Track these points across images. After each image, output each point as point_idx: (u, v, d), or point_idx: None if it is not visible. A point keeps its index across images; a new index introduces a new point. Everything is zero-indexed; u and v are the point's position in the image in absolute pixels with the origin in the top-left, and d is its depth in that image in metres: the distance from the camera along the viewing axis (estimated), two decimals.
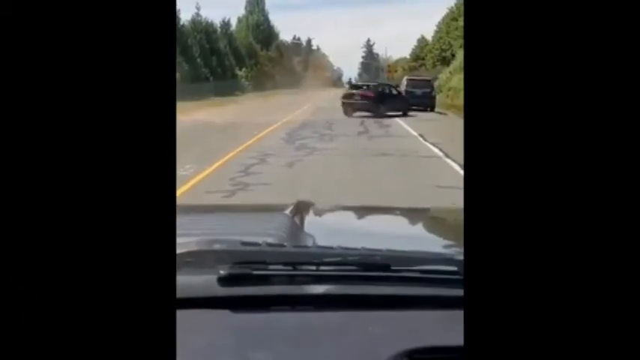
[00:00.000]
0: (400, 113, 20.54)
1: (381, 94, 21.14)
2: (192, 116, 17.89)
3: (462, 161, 9.05)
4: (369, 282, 0.94)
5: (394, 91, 22.64)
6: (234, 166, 8.64)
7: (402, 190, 6.98)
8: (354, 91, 21.45)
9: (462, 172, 8.32)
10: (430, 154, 10.58)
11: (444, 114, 22.19)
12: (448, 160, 9.48)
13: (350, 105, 20.32)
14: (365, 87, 22.03)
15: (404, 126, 16.62)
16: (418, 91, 24.02)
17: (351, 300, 0.93)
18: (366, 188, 7.01)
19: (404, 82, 26.08)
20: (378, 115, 19.21)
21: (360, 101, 20.20)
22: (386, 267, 0.95)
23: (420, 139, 12.94)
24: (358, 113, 19.67)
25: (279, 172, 8.30)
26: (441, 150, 10.69)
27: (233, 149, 10.37)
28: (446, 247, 1.49)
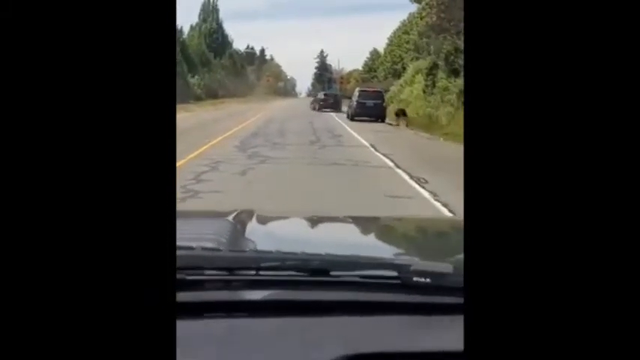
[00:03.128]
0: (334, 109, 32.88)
1: (334, 98, 37.04)
2: None
3: (410, 171, 9.24)
4: (307, 287, 0.93)
5: (338, 98, 38.11)
6: (184, 173, 8.55)
7: (352, 198, 7.07)
8: (320, 96, 37.91)
9: (410, 181, 8.49)
10: (381, 164, 10.74)
11: (395, 125, 22.54)
12: (398, 171, 9.64)
13: (317, 103, 36.21)
14: (326, 94, 39.40)
15: (355, 136, 16.81)
16: (369, 102, 24.86)
17: (288, 305, 0.91)
18: (316, 197, 7.07)
19: (356, 93, 26.96)
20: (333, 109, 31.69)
21: (322, 102, 35.61)
22: (325, 272, 0.93)
23: (372, 149, 13.12)
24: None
25: (231, 180, 8.28)
26: (391, 160, 10.86)
27: (184, 157, 10.25)
28: (388, 252, 1.46)
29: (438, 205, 6.84)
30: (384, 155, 11.73)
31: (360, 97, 25.47)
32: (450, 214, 6.25)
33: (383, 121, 23.97)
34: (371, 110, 24.36)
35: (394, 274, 0.93)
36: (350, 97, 29.04)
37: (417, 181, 8.39)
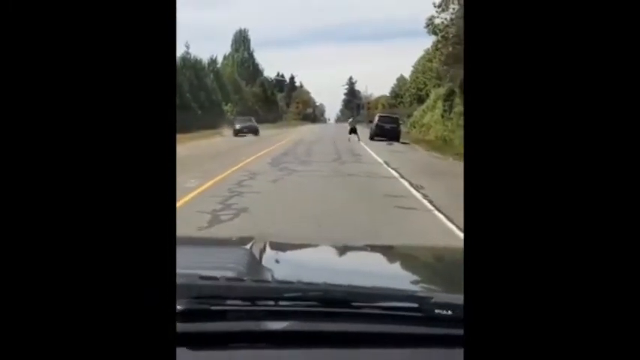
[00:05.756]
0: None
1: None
2: (185, 145, 19.99)
3: (411, 180, 11.33)
4: (329, 318, 0.93)
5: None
6: (229, 181, 10.82)
7: (360, 195, 9.21)
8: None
9: (409, 187, 10.56)
10: (389, 175, 12.90)
11: (411, 145, 24.66)
12: (402, 180, 11.74)
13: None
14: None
15: (373, 155, 19.00)
16: (387, 126, 30.29)
17: (311, 336, 0.92)
18: (333, 195, 9.22)
19: (376, 118, 32.69)
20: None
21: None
22: (347, 303, 0.94)
23: (385, 165, 15.26)
24: None
25: (266, 185, 10.50)
26: (398, 173, 12.97)
27: (226, 170, 12.56)
28: (409, 283, 1.48)
29: (425, 202, 8.88)
30: (394, 169, 13.87)
31: (379, 121, 31.17)
32: (431, 207, 8.32)
33: (397, 140, 28.44)
34: (388, 132, 29.57)
35: (415, 305, 0.93)
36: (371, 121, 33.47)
37: (415, 187, 10.45)
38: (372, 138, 29.93)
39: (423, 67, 47.33)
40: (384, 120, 31.37)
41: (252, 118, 40.99)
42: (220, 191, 9.45)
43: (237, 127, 35.87)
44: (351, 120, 33.02)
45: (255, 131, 35.48)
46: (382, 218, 7.40)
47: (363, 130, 36.58)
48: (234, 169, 13.08)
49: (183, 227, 6.41)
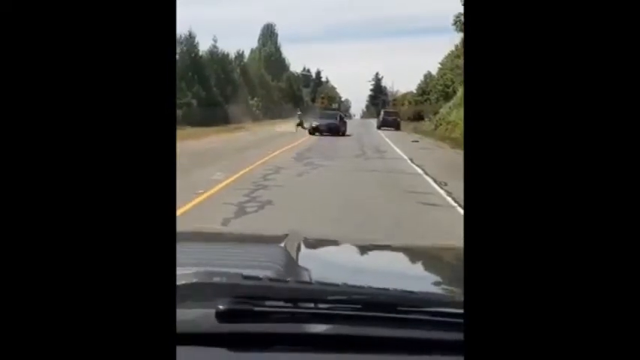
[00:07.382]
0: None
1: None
2: (210, 139, 20.25)
3: (434, 176, 11.35)
4: (373, 322, 0.91)
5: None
6: (254, 174, 10.98)
7: (385, 191, 9.27)
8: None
9: (433, 184, 10.58)
10: (413, 171, 12.96)
11: (437, 143, 24.59)
12: (426, 177, 11.78)
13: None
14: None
15: (398, 151, 19.04)
16: (389, 118, 43.26)
17: (355, 341, 0.91)
18: (356, 191, 9.29)
19: (381, 113, 46.16)
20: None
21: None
22: (392, 307, 0.92)
23: (409, 161, 15.30)
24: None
25: (291, 179, 10.64)
26: (422, 169, 13.00)
27: (252, 164, 12.72)
28: (455, 286, 1.40)
29: (448, 199, 8.92)
30: (418, 166, 13.91)
31: (384, 115, 44.74)
32: (454, 204, 8.35)
33: (398, 129, 39.09)
34: (390, 123, 41.85)
35: (461, 312, 0.88)
36: (377, 116, 45.94)
37: (439, 184, 10.48)
38: (378, 127, 41.75)
39: (451, 63, 46.99)
40: (387, 114, 45.32)
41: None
42: (246, 184, 9.60)
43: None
44: (299, 113, 38.10)
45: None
46: (405, 215, 7.45)
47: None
48: (259, 162, 13.24)
49: (210, 218, 6.57)
